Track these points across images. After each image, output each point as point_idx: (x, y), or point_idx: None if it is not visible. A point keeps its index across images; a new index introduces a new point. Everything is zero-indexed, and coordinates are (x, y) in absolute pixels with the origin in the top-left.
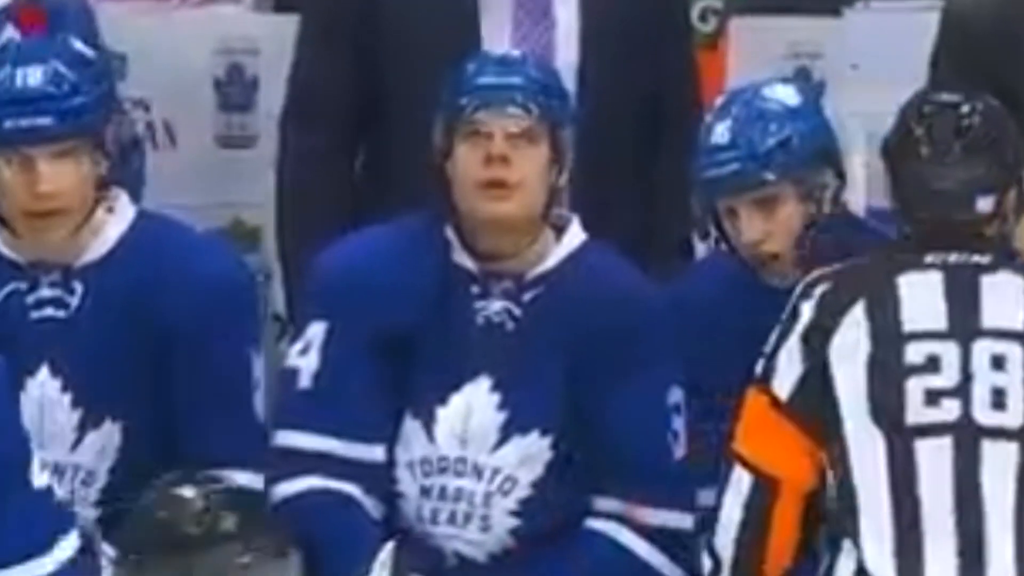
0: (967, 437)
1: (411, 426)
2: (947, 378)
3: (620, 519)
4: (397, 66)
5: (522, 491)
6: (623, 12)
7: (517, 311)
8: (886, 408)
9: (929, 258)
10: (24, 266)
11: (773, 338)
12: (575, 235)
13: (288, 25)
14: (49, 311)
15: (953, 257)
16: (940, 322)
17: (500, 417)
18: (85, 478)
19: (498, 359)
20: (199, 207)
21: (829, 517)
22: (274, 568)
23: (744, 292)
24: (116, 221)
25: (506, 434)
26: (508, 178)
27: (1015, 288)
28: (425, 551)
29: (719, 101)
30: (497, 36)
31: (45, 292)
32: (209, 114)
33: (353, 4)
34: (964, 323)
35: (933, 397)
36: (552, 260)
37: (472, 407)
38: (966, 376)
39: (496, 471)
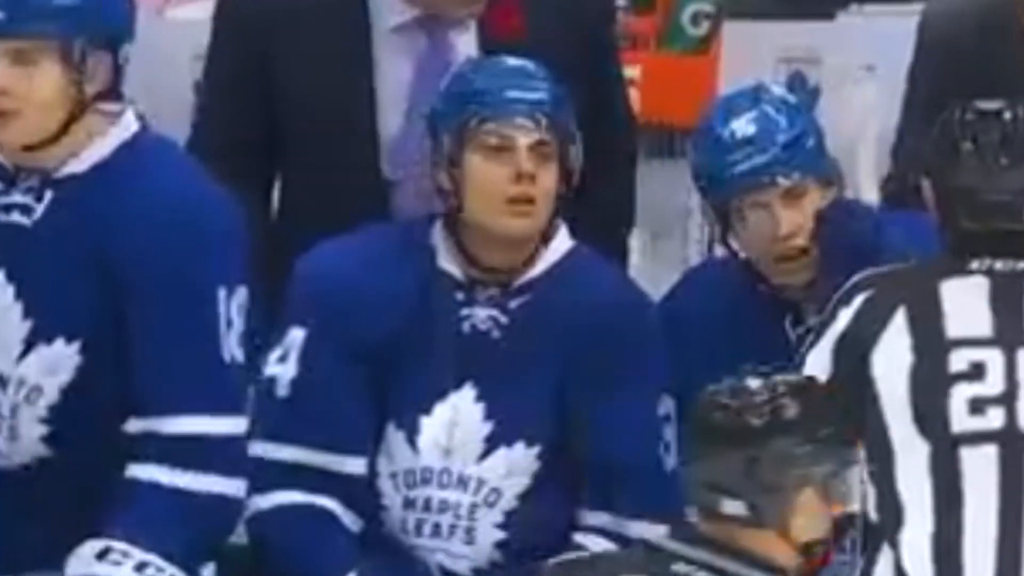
0: (1012, 446)
1: (394, 437)
2: (992, 386)
3: (610, 534)
4: (293, 98)
5: (508, 503)
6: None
7: (503, 319)
8: (930, 417)
9: (974, 264)
10: (7, 169)
11: (808, 340)
12: (562, 241)
13: None
14: (15, 216)
15: (999, 264)
16: (985, 329)
17: (486, 427)
18: (29, 394)
19: (484, 368)
20: None
21: (867, 525)
22: (834, 457)
23: (739, 301)
24: (110, 138)
25: (492, 445)
26: (534, 195)
27: None
28: (409, 565)
29: (716, 104)
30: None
31: (16, 197)
32: (187, 115)
33: (248, 58)
34: (1010, 330)
35: (978, 405)
36: (539, 267)
37: (457, 417)
38: (1012, 384)
39: (481, 482)
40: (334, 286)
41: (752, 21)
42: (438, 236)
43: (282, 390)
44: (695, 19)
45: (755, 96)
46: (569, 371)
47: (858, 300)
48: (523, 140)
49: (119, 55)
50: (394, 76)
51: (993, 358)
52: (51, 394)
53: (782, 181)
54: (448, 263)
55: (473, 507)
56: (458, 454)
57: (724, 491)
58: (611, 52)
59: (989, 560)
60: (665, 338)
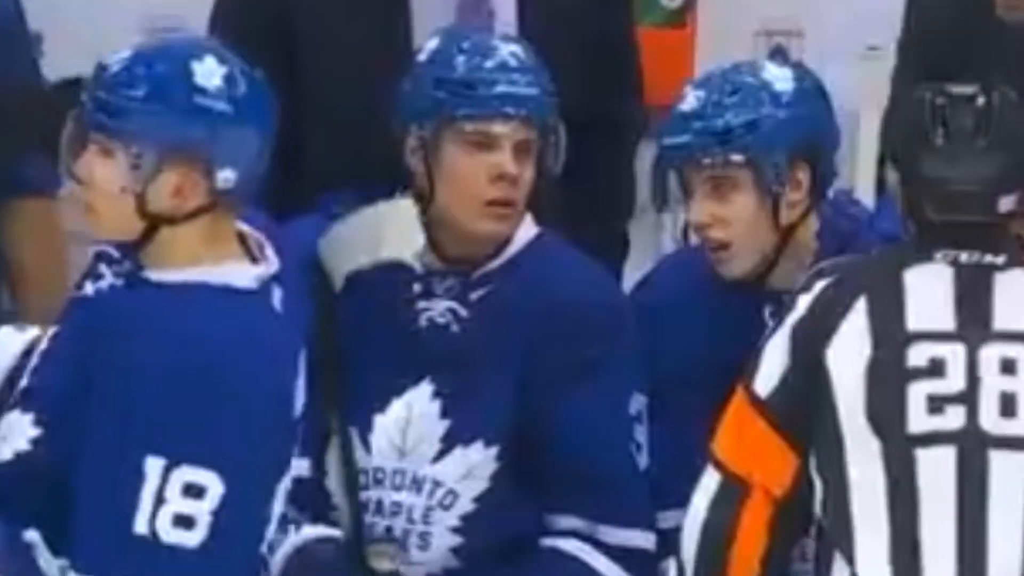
0: (973, 447)
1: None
2: (952, 383)
3: (580, 537)
4: (316, 67)
5: (465, 506)
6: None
7: (463, 312)
8: (885, 415)
9: (939, 255)
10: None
11: (768, 329)
12: (528, 228)
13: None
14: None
15: (964, 256)
16: (947, 322)
17: (442, 426)
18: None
19: (442, 363)
20: None
21: (819, 531)
22: None
23: (715, 291)
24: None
25: (448, 444)
26: (516, 197)
27: None
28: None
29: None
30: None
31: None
32: None
33: (267, 10)
34: (973, 324)
35: (936, 403)
36: (502, 256)
37: (412, 415)
38: (972, 381)
39: (437, 484)
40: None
41: None
42: None
43: None
44: None
45: (730, 73)
46: (532, 366)
47: (818, 287)
48: (509, 139)
49: None
50: (432, 22)
51: (954, 354)
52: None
53: (702, 166)
54: (405, 253)
55: (428, 510)
56: (412, 454)
57: None
58: (626, 14)
59: (950, 571)
60: (638, 330)
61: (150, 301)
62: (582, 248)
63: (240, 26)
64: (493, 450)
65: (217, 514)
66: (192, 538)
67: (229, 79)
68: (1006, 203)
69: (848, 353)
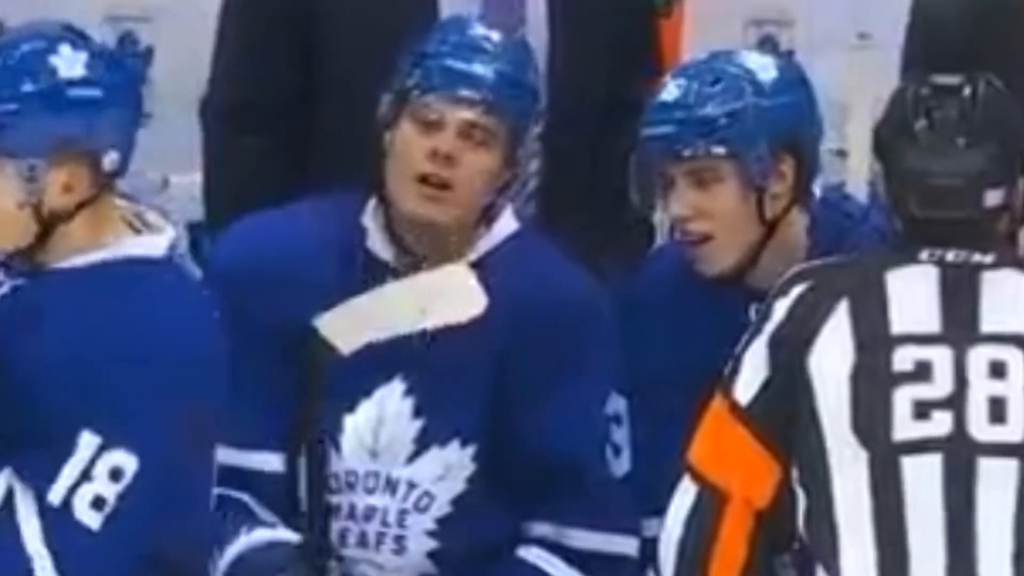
0: (960, 454)
1: None
2: (939, 387)
3: (551, 546)
4: (338, 55)
5: (441, 509)
6: None
7: None
8: (870, 422)
9: (924, 254)
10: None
11: (745, 336)
12: (507, 223)
13: None
14: None
15: (951, 255)
16: (933, 324)
17: (415, 426)
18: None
19: (414, 361)
20: None
21: (801, 542)
22: None
23: (697, 289)
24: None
25: (422, 445)
26: (450, 179)
27: (1019, 286)
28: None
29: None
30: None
31: None
32: None
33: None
34: (960, 325)
35: (923, 409)
36: (478, 251)
37: (384, 415)
38: (960, 385)
39: (411, 486)
40: (247, 269)
41: None
42: (370, 214)
43: None
44: None
45: (710, 62)
46: (507, 365)
47: (796, 292)
48: (454, 117)
49: None
50: (459, 5)
51: (940, 357)
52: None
53: (684, 158)
54: (378, 245)
55: (402, 514)
56: (385, 456)
57: None
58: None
59: None
60: (619, 330)
61: (69, 286)
62: (605, 236)
63: (256, 11)
64: (470, 450)
65: (123, 496)
66: (96, 520)
67: (90, 63)
68: (992, 197)
69: (830, 359)
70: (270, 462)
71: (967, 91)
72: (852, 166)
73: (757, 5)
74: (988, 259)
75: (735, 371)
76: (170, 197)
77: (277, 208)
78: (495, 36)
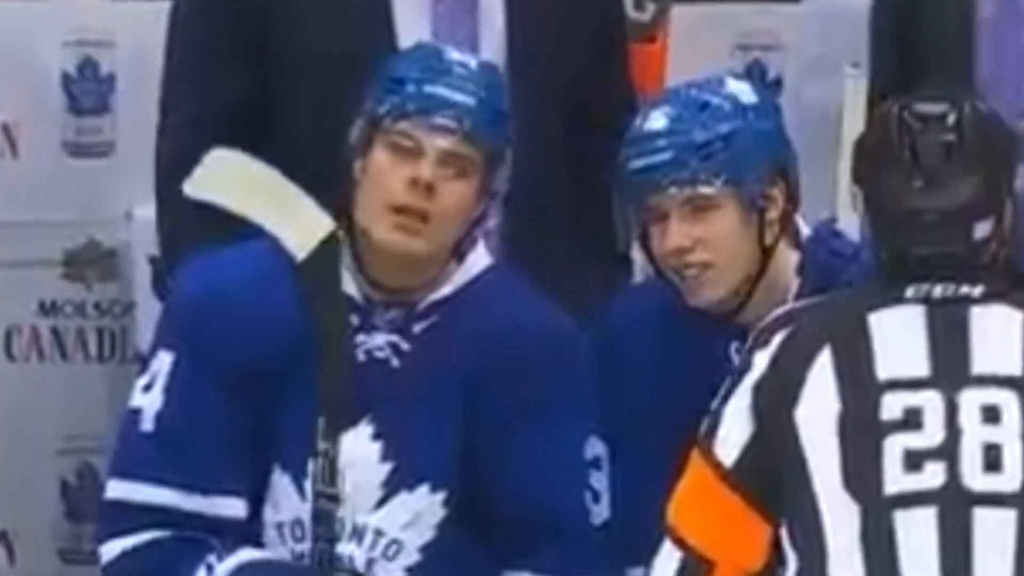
0: (955, 506)
1: (280, 482)
2: (930, 436)
3: None
4: (295, 74)
5: (410, 557)
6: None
7: (405, 345)
8: (860, 475)
9: (910, 291)
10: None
11: (722, 390)
12: (479, 258)
13: (150, 15)
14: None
15: (938, 290)
16: (921, 368)
17: (383, 470)
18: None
19: (381, 402)
20: (45, 226)
21: None
22: None
23: (677, 326)
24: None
25: (390, 490)
26: (428, 210)
27: (1011, 323)
28: None
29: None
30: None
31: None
32: (56, 117)
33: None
34: (950, 368)
35: (914, 460)
36: (449, 287)
37: (351, 459)
38: (952, 433)
39: (379, 533)
40: (209, 306)
41: (705, 3)
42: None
43: (147, 424)
44: (639, 2)
45: (690, 89)
46: (480, 405)
47: (776, 340)
48: (433, 145)
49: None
50: (413, 17)
51: (931, 402)
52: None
53: (682, 186)
54: (344, 282)
55: (370, 562)
56: (352, 501)
57: None
58: (618, 26)
59: None
60: (596, 370)
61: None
62: (588, 272)
63: (208, 26)
64: (440, 496)
65: None
66: None
67: None
68: (981, 229)
69: (817, 410)
70: (229, 507)
71: (951, 119)
72: (842, 197)
73: (744, 30)
74: (977, 291)
75: (715, 427)
76: (133, 230)
77: (238, 244)
78: (471, 62)
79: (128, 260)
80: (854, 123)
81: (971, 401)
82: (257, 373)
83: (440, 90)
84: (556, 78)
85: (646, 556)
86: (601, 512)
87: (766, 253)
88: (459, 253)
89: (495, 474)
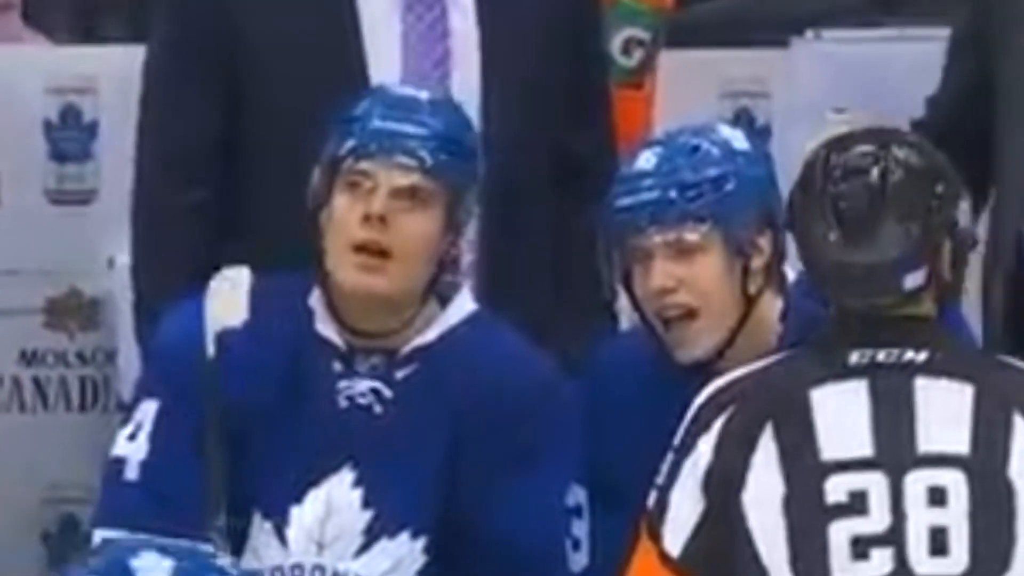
0: None
1: (260, 529)
2: (876, 520)
3: None
4: (264, 106)
5: None
6: (529, 27)
7: (387, 392)
8: (807, 563)
9: (854, 357)
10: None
11: (664, 467)
12: (463, 304)
13: (133, 60)
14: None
15: (882, 355)
16: (865, 447)
17: (365, 517)
18: None
19: (363, 448)
20: (26, 274)
21: None
22: None
23: (661, 377)
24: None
25: (372, 537)
26: (386, 244)
27: (958, 397)
28: None
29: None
30: (386, 62)
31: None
32: (38, 164)
33: (212, 39)
34: (895, 447)
35: (861, 548)
36: (432, 333)
37: (332, 506)
38: (898, 518)
39: None
40: (191, 353)
41: (693, 49)
42: (317, 297)
43: (131, 473)
44: (626, 47)
45: (680, 133)
46: (461, 452)
47: (718, 425)
48: (387, 180)
49: None
50: (385, 52)
51: (876, 484)
52: None
53: (669, 226)
54: (326, 327)
55: None
56: (333, 548)
57: None
58: (596, 50)
59: None
60: (580, 421)
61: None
62: (566, 318)
63: (178, 32)
64: (420, 542)
65: None
66: None
67: None
68: (912, 280)
69: (763, 494)
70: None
71: (876, 171)
72: None
73: (732, 77)
74: (922, 357)
75: (662, 511)
76: (115, 277)
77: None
78: (425, 96)
79: (110, 308)
80: None
81: (916, 482)
82: (239, 419)
83: (395, 126)
84: (533, 121)
85: None
86: (580, 560)
87: (750, 302)
88: (440, 297)
89: (476, 521)
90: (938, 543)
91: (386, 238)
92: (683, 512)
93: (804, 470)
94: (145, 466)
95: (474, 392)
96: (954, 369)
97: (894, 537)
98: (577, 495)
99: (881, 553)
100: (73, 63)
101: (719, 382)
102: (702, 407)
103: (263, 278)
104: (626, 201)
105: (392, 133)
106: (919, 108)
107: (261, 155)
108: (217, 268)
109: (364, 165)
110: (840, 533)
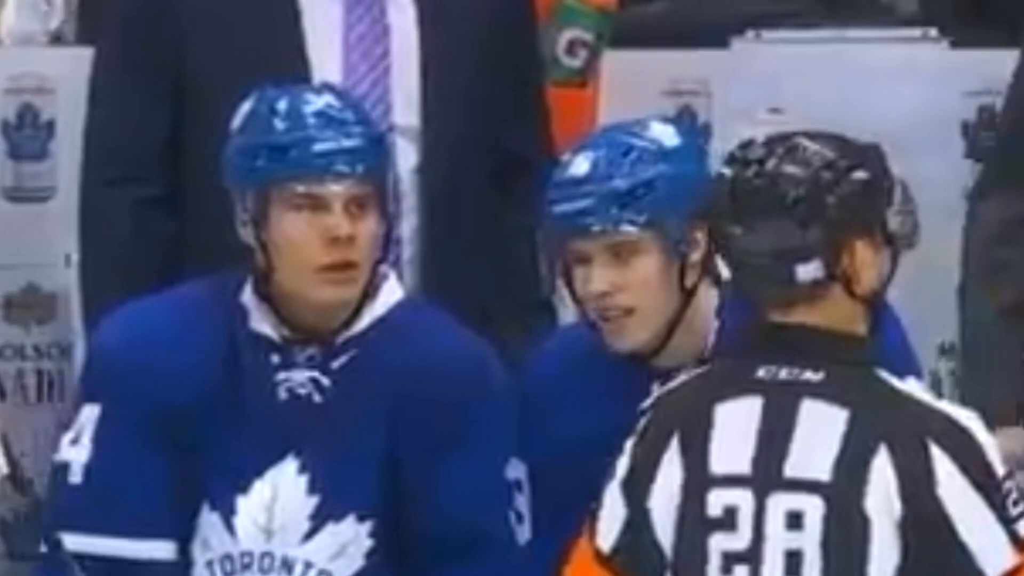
0: None
1: (209, 520)
2: (741, 538)
3: None
4: (207, 105)
5: None
6: (466, 27)
7: (325, 381)
8: (688, 574)
9: (760, 373)
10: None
11: (608, 471)
12: (391, 292)
13: (89, 61)
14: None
15: (784, 373)
16: (743, 464)
17: (310, 503)
18: None
19: (305, 436)
20: None
21: None
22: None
23: (601, 369)
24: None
25: (318, 522)
26: (354, 259)
27: (831, 423)
28: None
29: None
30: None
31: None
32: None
33: (157, 40)
34: (766, 467)
35: (727, 563)
36: (365, 320)
37: (277, 493)
38: (758, 537)
39: (308, 565)
40: (129, 357)
41: (636, 50)
42: (249, 295)
43: (75, 476)
44: (571, 48)
45: (613, 133)
46: (401, 434)
47: (639, 429)
48: (338, 198)
49: None
50: (325, 49)
51: (745, 502)
52: None
53: (604, 233)
54: (261, 324)
55: None
56: (281, 535)
57: None
58: (532, 57)
59: None
60: (523, 409)
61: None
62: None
63: (125, 35)
64: (366, 526)
65: None
66: None
67: None
68: (805, 272)
69: (663, 503)
70: (161, 549)
71: (752, 169)
72: None
73: (675, 76)
74: (818, 377)
75: (598, 508)
76: (72, 273)
77: (155, 294)
78: (334, 100)
79: (67, 303)
80: None
81: (778, 505)
82: (181, 417)
83: (326, 144)
84: (471, 118)
85: None
86: (524, 533)
87: (687, 294)
88: (372, 288)
89: (419, 502)
90: (792, 567)
91: (353, 253)
92: (611, 511)
93: (696, 482)
94: (88, 469)
95: (409, 375)
96: (837, 394)
97: (752, 556)
98: (517, 469)
99: (742, 570)
100: (30, 63)
101: (665, 387)
102: (642, 410)
103: (194, 286)
104: (562, 207)
105: (340, 152)
106: (858, 108)
107: (206, 156)
108: (173, 265)
109: (304, 185)
110: (716, 547)
